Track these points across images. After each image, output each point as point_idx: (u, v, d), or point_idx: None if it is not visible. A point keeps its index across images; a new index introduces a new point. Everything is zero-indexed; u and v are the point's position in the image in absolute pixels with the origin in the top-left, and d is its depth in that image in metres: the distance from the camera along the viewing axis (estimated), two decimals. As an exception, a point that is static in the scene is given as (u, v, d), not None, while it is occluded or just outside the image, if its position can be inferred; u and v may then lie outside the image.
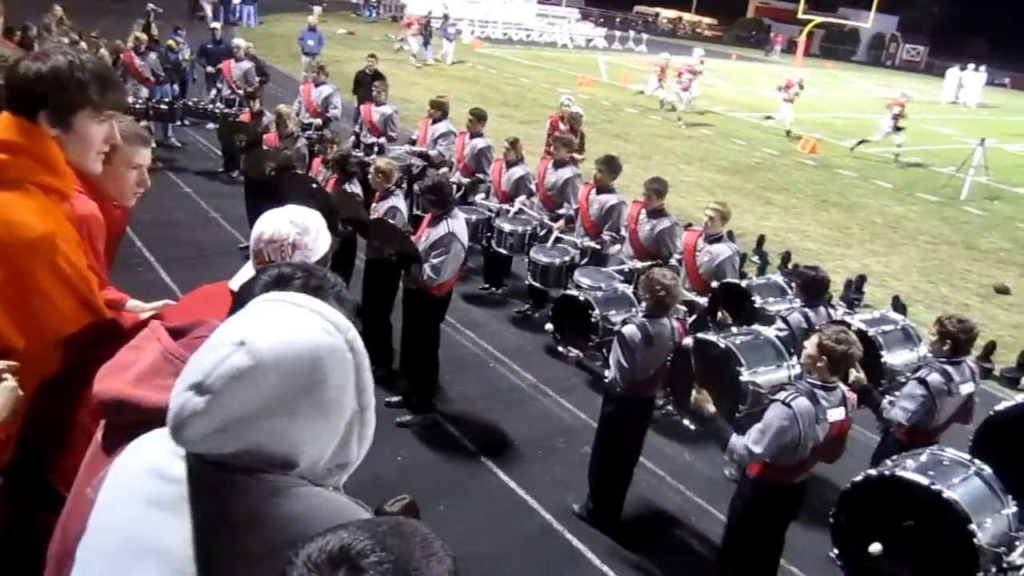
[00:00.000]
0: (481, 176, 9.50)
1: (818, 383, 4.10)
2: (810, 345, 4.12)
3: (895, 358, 5.47)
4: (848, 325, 4.84)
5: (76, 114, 2.22)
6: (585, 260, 7.94)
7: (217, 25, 16.02)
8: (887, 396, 4.95)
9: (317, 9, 22.19)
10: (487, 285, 8.89)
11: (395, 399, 6.23)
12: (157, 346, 1.71)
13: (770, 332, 5.50)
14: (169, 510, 1.26)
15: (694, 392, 4.46)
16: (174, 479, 1.28)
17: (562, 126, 11.24)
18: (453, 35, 29.55)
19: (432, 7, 36.82)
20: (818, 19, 50.83)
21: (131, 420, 1.62)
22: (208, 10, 30.32)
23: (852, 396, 4.30)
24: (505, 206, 8.72)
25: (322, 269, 1.81)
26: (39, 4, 14.24)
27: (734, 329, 5.63)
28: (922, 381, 4.69)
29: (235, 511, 1.22)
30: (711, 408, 4.39)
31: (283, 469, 1.24)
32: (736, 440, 4.17)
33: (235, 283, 2.37)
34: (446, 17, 30.64)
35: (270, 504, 1.21)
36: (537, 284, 7.97)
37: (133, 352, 1.74)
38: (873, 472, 3.93)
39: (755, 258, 10.65)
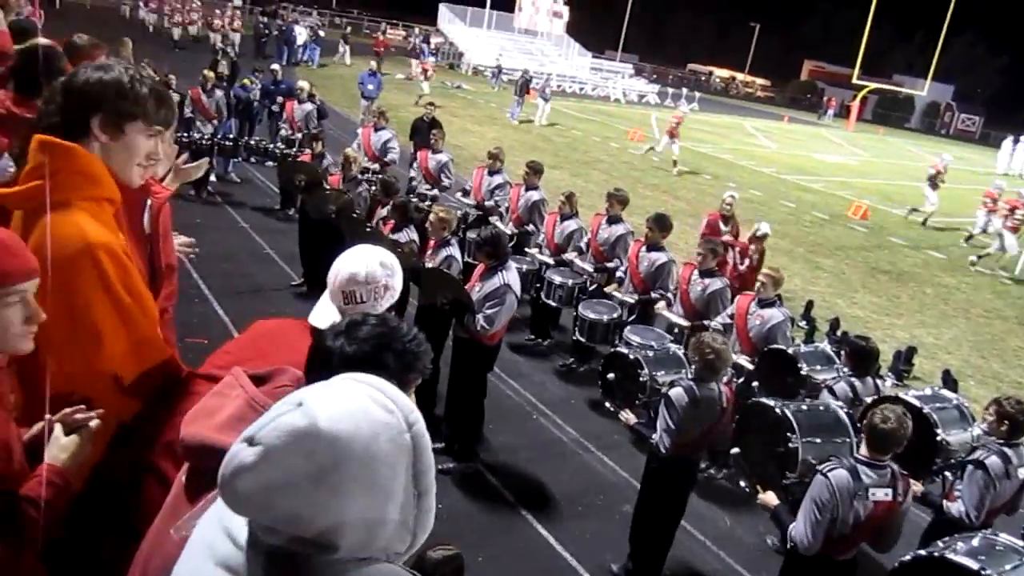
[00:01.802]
0: (531, 228, 9.61)
1: (864, 459, 4.06)
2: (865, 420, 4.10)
3: (950, 437, 5.37)
4: (902, 401, 4.79)
5: (129, 124, 2.30)
6: (632, 317, 7.95)
7: (277, 67, 16.51)
8: (944, 474, 4.87)
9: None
10: (533, 336, 8.93)
11: (438, 445, 6.28)
12: (241, 393, 1.76)
13: (836, 405, 5.45)
14: (234, 574, 1.29)
15: (760, 492, 4.46)
16: (243, 546, 1.30)
17: (723, 227, 10.29)
18: (548, 95, 28.34)
19: (489, 59, 37.69)
20: (873, 85, 50.75)
21: (215, 465, 1.69)
22: (228, 43, 31.01)
23: (916, 486, 4.24)
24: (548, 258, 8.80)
25: (395, 318, 1.88)
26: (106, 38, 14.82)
27: (804, 406, 5.57)
28: (980, 464, 4.59)
29: None
30: (774, 502, 4.38)
31: (321, 550, 1.21)
32: (795, 532, 4.12)
33: (315, 319, 2.45)
34: (545, 77, 30.76)
35: None
36: (583, 339, 8.00)
37: (218, 398, 1.80)
38: (923, 552, 3.86)
39: (803, 323, 10.56)
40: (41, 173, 2.19)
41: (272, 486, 1.16)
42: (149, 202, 2.64)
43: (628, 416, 5.42)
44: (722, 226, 10.27)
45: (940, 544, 3.91)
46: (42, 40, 4.39)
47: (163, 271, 2.68)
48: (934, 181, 19.78)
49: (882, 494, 4.04)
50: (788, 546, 4.18)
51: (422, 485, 1.27)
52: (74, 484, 2.08)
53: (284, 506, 1.17)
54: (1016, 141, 37.48)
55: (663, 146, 22.39)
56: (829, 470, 4.02)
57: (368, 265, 2.39)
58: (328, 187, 8.70)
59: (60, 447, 2.08)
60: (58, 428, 2.11)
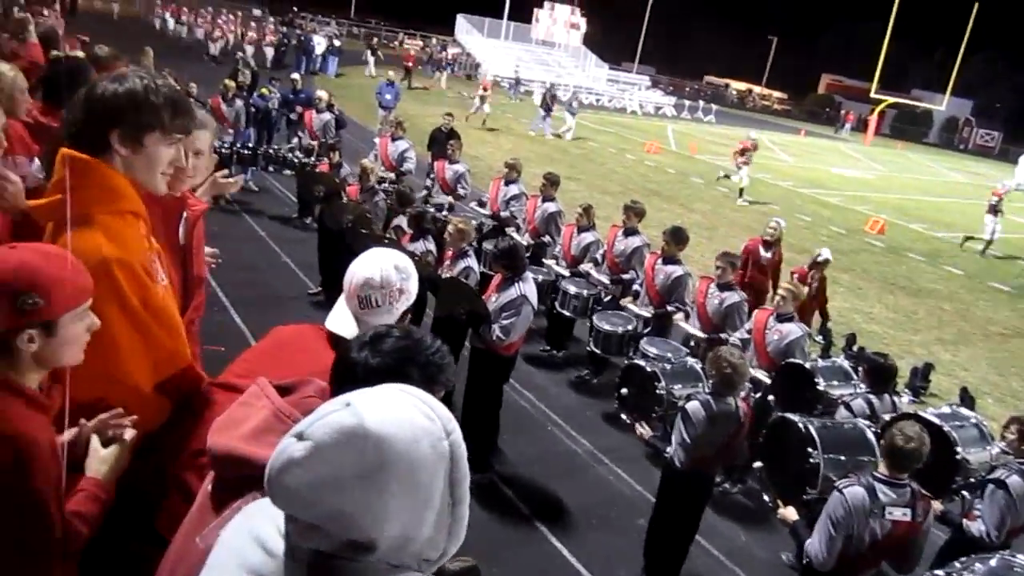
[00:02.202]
0: (547, 239, 9.62)
1: (882, 477, 4.03)
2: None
3: (969, 456, 5.33)
4: (921, 419, 4.76)
5: (147, 136, 2.32)
6: (647, 330, 7.94)
7: (297, 76, 16.64)
8: (963, 493, 4.83)
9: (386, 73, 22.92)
10: (548, 347, 8.94)
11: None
12: (268, 404, 1.78)
13: (863, 423, 5.43)
14: None
15: (780, 507, 4.45)
16: (274, 553, 1.32)
17: (763, 252, 9.94)
18: (576, 109, 28.04)
19: (506, 70, 37.78)
20: (891, 99, 50.58)
21: (242, 475, 1.70)
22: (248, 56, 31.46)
23: (936, 505, 4.20)
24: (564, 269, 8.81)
25: (419, 331, 1.90)
26: (129, 48, 14.97)
27: (828, 422, 5.55)
28: (1001, 484, 4.55)
29: None
30: (793, 517, 4.37)
31: (360, 551, 1.23)
32: (810, 548, 4.10)
33: (331, 323, 2.47)
34: (573, 91, 30.39)
35: None
36: (598, 351, 7.99)
37: (244, 408, 1.81)
38: (940, 572, 3.84)
39: (819, 338, 10.51)
40: (63, 187, 2.23)
41: (319, 482, 1.19)
42: (185, 214, 2.67)
43: (644, 429, 5.41)
44: (763, 252, 9.90)
45: (958, 564, 3.89)
46: (79, 54, 4.47)
47: (195, 282, 2.72)
48: (995, 208, 19.09)
49: (900, 513, 4.00)
50: (804, 561, 4.16)
51: (457, 494, 1.29)
52: (111, 495, 2.11)
53: (330, 502, 1.19)
54: (1034, 156, 37.18)
55: (742, 176, 20.77)
56: (845, 487, 4.00)
57: (383, 269, 2.39)
58: (346, 198, 8.76)
59: (100, 459, 2.12)
60: (95, 439, 2.14)
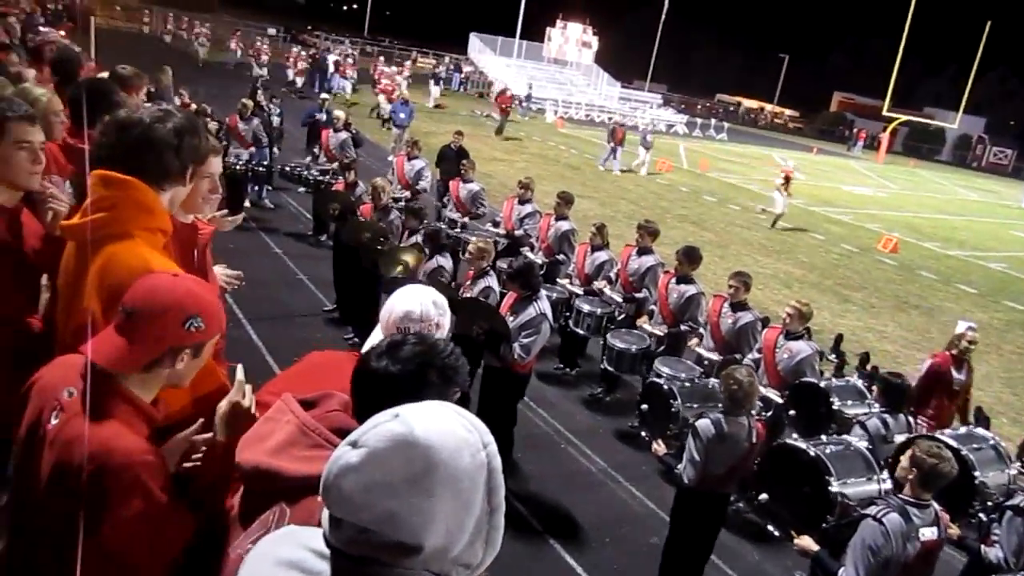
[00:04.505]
0: (560, 258, 9.68)
1: (910, 499, 4.03)
2: (905, 459, 4.07)
3: (987, 479, 5.32)
4: (938, 441, 4.76)
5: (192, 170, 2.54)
6: (661, 349, 7.97)
7: (327, 96, 16.93)
8: (980, 516, 4.82)
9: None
10: (561, 365, 8.97)
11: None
12: (292, 419, 1.84)
13: (861, 443, 5.44)
14: None
15: (796, 538, 4.43)
16: (316, 573, 1.38)
17: (955, 374, 7.34)
18: (650, 142, 26.22)
19: (519, 88, 37.85)
20: (903, 117, 50.54)
21: (269, 488, 1.76)
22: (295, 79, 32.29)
23: (945, 517, 4.20)
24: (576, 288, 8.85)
25: (431, 335, 1.96)
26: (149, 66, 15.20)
27: (823, 437, 5.58)
28: (1019, 511, 4.51)
29: None
30: (814, 548, 4.33)
31: (407, 554, 1.30)
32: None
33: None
34: (648, 124, 29.60)
35: None
36: (611, 369, 8.02)
37: (270, 424, 1.88)
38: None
39: (832, 357, 10.48)
40: (103, 206, 2.32)
41: (373, 485, 1.27)
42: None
43: (659, 447, 5.43)
44: (955, 373, 7.32)
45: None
46: (104, 74, 4.55)
47: None
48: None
49: (930, 533, 4.02)
50: None
51: (494, 502, 1.37)
52: None
53: (382, 506, 1.27)
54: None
55: (781, 206, 20.35)
56: (883, 515, 3.95)
57: (423, 304, 2.50)
58: (361, 217, 8.84)
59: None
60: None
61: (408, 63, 41.78)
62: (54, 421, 2.01)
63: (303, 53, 36.13)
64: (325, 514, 1.39)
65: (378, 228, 8.10)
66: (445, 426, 1.33)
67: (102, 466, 1.88)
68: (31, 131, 2.91)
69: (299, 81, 32.83)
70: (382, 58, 39.96)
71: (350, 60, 35.30)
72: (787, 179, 20.18)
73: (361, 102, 31.04)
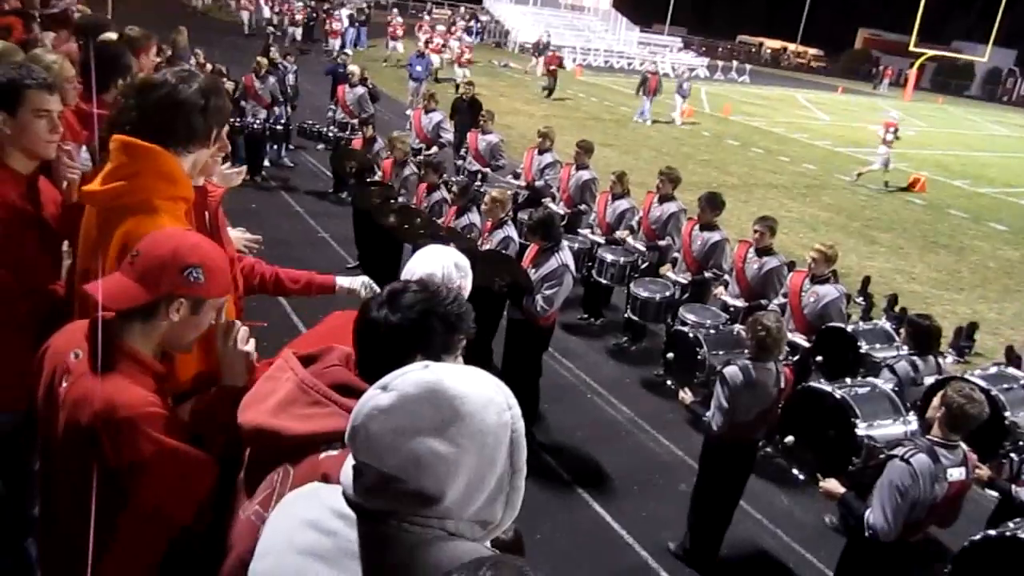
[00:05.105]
0: (583, 208, 9.60)
1: (938, 440, 3.99)
2: (936, 399, 4.02)
3: (1018, 419, 5.26)
4: (968, 382, 4.69)
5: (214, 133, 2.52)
6: (686, 296, 7.91)
7: (350, 51, 16.77)
8: (1011, 456, 4.78)
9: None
10: (586, 315, 8.96)
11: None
12: (292, 376, 1.81)
13: (887, 386, 5.39)
14: (326, 561, 1.37)
15: (821, 481, 4.40)
16: (330, 532, 1.39)
17: None
18: (687, 91, 25.52)
19: (535, 36, 37.26)
20: (931, 53, 49.26)
21: (271, 448, 1.74)
22: (296, 34, 31.63)
23: (973, 456, 4.16)
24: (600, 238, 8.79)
25: (434, 282, 1.93)
26: (166, 26, 15.10)
27: (848, 380, 5.53)
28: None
29: (389, 561, 1.32)
30: (840, 490, 4.29)
31: (426, 503, 1.31)
32: (873, 520, 3.99)
33: None
34: (684, 71, 28.22)
35: (419, 554, 1.31)
36: (636, 318, 7.99)
37: (270, 383, 1.85)
38: (993, 532, 3.83)
39: (860, 300, 10.39)
40: (123, 174, 2.31)
41: (401, 429, 1.29)
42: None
43: (686, 395, 5.42)
44: None
45: (1011, 524, 3.88)
46: (111, 35, 4.51)
47: (229, 263, 2.79)
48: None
49: (958, 474, 3.99)
50: (867, 534, 4.04)
51: (517, 462, 1.39)
52: None
53: (408, 449, 1.28)
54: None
55: (880, 162, 19.13)
56: (910, 455, 3.91)
57: (445, 266, 2.50)
58: (379, 173, 8.82)
59: None
60: None
61: (455, 21, 40.24)
62: (64, 385, 2.03)
63: (299, 4, 35.45)
64: (347, 467, 1.39)
65: (389, 192, 8.05)
66: (473, 382, 1.35)
67: (107, 421, 1.90)
68: (49, 99, 2.90)
69: (297, 34, 32.10)
70: (396, 10, 39.32)
71: (399, 20, 34.13)
72: (895, 130, 18.94)
73: (377, 56, 30.69)
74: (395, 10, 39.82)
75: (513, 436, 1.37)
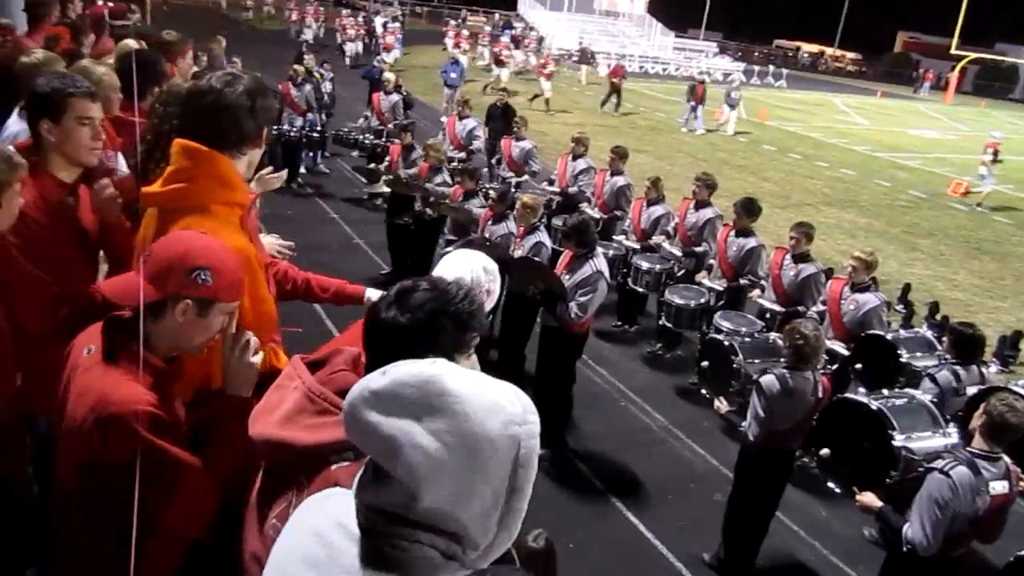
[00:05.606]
0: (618, 214, 9.55)
1: (979, 452, 3.90)
2: (979, 410, 3.93)
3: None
4: (1012, 392, 4.58)
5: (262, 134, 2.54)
6: (721, 303, 7.83)
7: (386, 57, 16.87)
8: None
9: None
10: (620, 322, 8.91)
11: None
12: (300, 385, 1.79)
13: (925, 397, 5.28)
14: (319, 572, 1.34)
15: (858, 494, 4.32)
16: (327, 543, 1.36)
17: None
18: (736, 100, 24.47)
19: (571, 42, 37.20)
20: (972, 55, 48.37)
21: (284, 461, 1.73)
22: (349, 50, 31.01)
23: (1016, 470, 4.05)
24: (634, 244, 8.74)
25: (443, 280, 1.88)
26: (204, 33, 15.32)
27: (884, 391, 5.43)
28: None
29: None
30: (878, 504, 4.22)
31: (409, 500, 1.23)
32: (912, 534, 3.91)
33: None
34: (736, 80, 26.35)
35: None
36: (670, 325, 7.92)
37: (278, 392, 1.83)
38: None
39: (900, 307, 10.21)
40: (184, 176, 2.35)
41: (385, 410, 1.23)
42: None
43: (721, 404, 5.35)
44: None
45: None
46: (132, 43, 4.58)
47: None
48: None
49: (1000, 487, 3.89)
50: (904, 548, 3.95)
51: (518, 482, 1.27)
52: None
53: (386, 429, 1.22)
54: None
55: (990, 184, 18.38)
56: (950, 468, 3.82)
57: (474, 270, 2.52)
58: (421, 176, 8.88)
59: None
60: None
61: (527, 40, 39.09)
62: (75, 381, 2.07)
63: (352, 19, 34.62)
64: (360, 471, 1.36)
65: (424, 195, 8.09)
66: (480, 385, 1.27)
67: (99, 416, 1.92)
68: (92, 107, 2.97)
69: (351, 49, 30.94)
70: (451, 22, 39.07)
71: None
72: (995, 153, 18.02)
73: (411, 63, 30.85)
74: (452, 21, 39.77)
75: (520, 453, 1.26)
